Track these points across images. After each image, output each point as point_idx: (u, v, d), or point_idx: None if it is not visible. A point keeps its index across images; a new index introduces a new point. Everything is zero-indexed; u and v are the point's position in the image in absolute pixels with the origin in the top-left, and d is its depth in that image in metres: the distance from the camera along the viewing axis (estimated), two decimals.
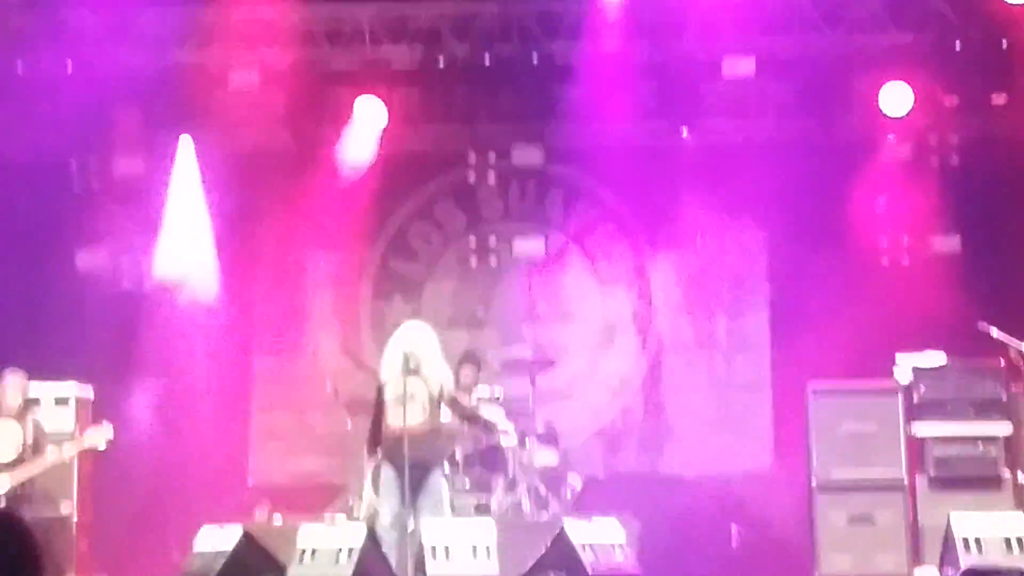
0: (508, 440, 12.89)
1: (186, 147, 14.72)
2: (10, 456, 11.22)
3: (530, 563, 10.44)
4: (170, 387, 14.19)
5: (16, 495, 10.98)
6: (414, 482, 10.49)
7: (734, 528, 13.60)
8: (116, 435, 11.54)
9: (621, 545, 10.26)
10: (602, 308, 14.83)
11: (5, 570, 4.52)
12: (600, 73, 14.06)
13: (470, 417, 11.58)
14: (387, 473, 10.65)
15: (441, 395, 10.65)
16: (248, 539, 10.55)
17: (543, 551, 10.44)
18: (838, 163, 14.03)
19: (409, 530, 10.46)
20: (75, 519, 12.12)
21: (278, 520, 12.71)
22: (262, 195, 14.97)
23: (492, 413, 12.91)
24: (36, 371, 11.87)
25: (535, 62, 14.06)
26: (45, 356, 12.69)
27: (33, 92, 13.99)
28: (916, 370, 12.15)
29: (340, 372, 14.35)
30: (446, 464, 11.78)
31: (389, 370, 10.67)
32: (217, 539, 10.56)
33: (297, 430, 14.80)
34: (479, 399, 12.96)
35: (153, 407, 13.68)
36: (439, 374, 10.70)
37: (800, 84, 14.11)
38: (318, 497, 13.48)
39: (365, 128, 14.34)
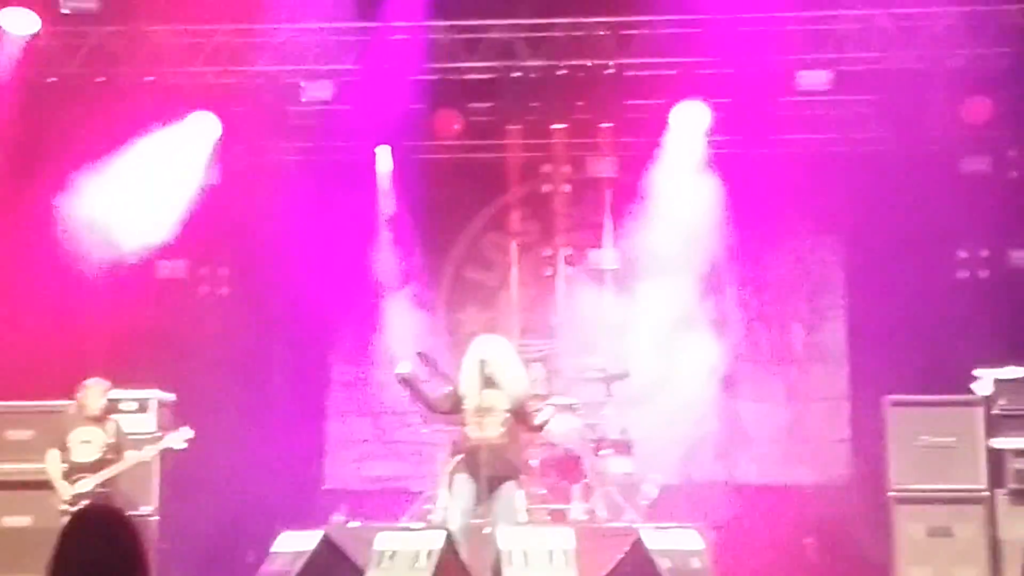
0: (583, 448, 12.89)
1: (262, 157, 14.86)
2: (93, 457, 11.36)
3: (606, 570, 10.44)
4: (248, 393, 14.29)
5: (98, 496, 11.10)
6: (490, 490, 10.53)
7: (810, 540, 13.53)
8: (196, 440, 11.67)
9: (698, 553, 10.23)
10: (678, 316, 14.80)
11: (113, 566, 4.61)
12: (672, 86, 14.11)
13: (539, 429, 11.53)
14: (463, 481, 10.69)
15: (518, 407, 10.67)
16: (327, 542, 10.63)
17: (619, 558, 10.44)
18: (916, 175, 13.97)
19: (485, 536, 10.48)
20: (155, 519, 12.25)
21: (354, 525, 12.75)
22: (336, 204, 15.07)
23: (567, 422, 12.92)
24: (119, 377, 12.01)
25: (608, 75, 14.12)
26: (127, 363, 12.83)
27: (108, 102, 14.19)
28: (997, 382, 12.05)
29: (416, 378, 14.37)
30: (523, 472, 11.82)
31: (467, 381, 10.71)
32: (296, 542, 10.65)
33: (373, 436, 14.87)
34: (554, 407, 12.97)
35: (232, 412, 13.76)
36: (516, 386, 10.73)
37: (877, 97, 14.08)
38: (393, 502, 13.54)
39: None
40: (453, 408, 10.72)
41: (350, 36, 14.00)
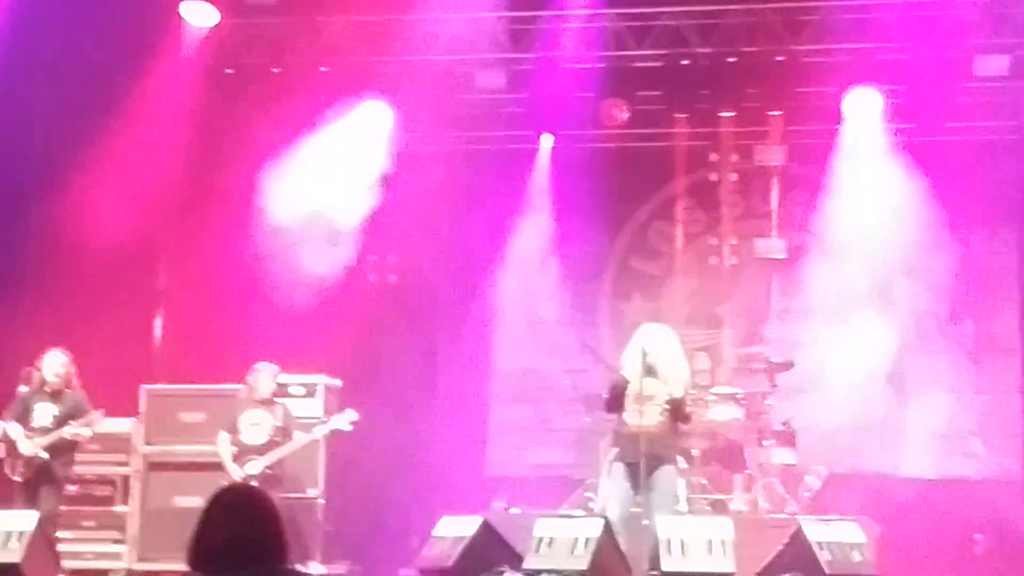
0: (745, 438, 12.80)
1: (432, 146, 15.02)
2: (261, 440, 11.66)
3: (766, 561, 10.36)
4: (412, 379, 14.47)
5: (267, 477, 11.37)
6: (649, 479, 10.52)
7: (979, 536, 13.23)
8: (361, 425, 11.88)
9: (860, 546, 10.08)
10: (843, 306, 14.60)
11: (253, 542, 4.73)
12: (845, 72, 13.90)
13: (688, 420, 11.42)
14: (622, 470, 10.70)
15: (678, 397, 10.63)
16: (487, 528, 10.73)
17: (779, 549, 10.35)
18: None
19: (644, 525, 10.47)
20: (321, 502, 12.50)
21: (515, 511, 12.84)
22: (505, 195, 15.17)
23: (730, 412, 12.85)
24: (287, 362, 12.27)
25: (779, 61, 13.98)
26: (296, 349, 13.08)
27: (283, 92, 14.48)
28: None
29: (578, 368, 14.45)
30: (682, 461, 11.79)
31: (629, 369, 10.72)
32: (457, 527, 10.77)
33: (534, 423, 14.96)
34: (717, 396, 12.91)
35: (396, 399, 13.94)
36: (677, 376, 10.70)
37: None
38: (554, 490, 13.59)
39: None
40: (616, 395, 10.73)
41: (521, 25, 14.06)
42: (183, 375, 13.34)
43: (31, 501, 11.06)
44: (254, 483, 11.04)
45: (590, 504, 12.26)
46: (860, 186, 14.21)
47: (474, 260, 14.95)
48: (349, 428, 11.85)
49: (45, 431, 11.28)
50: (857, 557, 10.02)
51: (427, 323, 14.66)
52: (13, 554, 10.28)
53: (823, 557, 9.90)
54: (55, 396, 11.41)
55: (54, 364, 11.41)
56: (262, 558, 4.77)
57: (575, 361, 14.77)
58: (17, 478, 11.18)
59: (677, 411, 10.60)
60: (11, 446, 11.25)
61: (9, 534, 10.39)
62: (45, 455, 11.22)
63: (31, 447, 11.20)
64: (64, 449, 11.37)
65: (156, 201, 13.87)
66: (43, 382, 11.43)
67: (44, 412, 11.37)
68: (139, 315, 14.21)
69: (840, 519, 10.41)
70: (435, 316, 14.66)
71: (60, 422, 11.31)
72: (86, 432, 11.44)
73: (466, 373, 15.12)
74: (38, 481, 11.22)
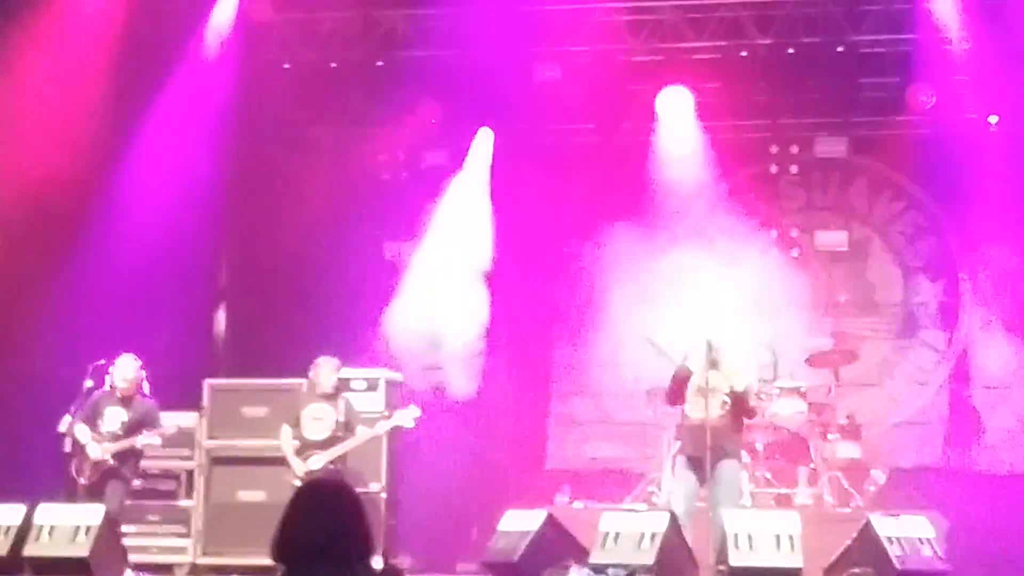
0: (809, 432, 12.72)
1: (485, 140, 14.99)
2: (324, 435, 11.62)
3: (834, 556, 10.29)
4: (472, 373, 14.44)
5: (329, 473, 11.34)
6: (712, 473, 10.48)
7: None
8: (421, 420, 11.85)
9: (930, 541, 9.98)
10: (906, 300, 14.49)
11: (337, 536, 4.72)
12: (905, 64, 13.79)
13: (753, 414, 11.35)
14: (685, 462, 10.66)
15: (740, 391, 10.58)
16: (552, 522, 10.70)
17: (848, 544, 10.27)
18: None
19: (709, 519, 10.42)
20: (384, 496, 12.49)
21: (578, 505, 12.80)
22: (563, 188, 15.12)
23: (793, 406, 12.77)
24: (349, 358, 12.27)
25: (840, 52, 13.88)
26: (357, 343, 13.09)
27: (343, 85, 14.49)
28: None
29: (639, 361, 14.38)
30: (745, 455, 11.74)
31: (694, 361, 10.69)
32: (521, 521, 10.75)
33: (596, 417, 14.91)
34: (781, 390, 12.84)
35: (457, 393, 13.92)
36: (742, 369, 10.65)
37: None
38: (615, 484, 13.56)
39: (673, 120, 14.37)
40: (678, 386, 10.69)
41: (578, 16, 13.99)
42: (246, 370, 13.38)
43: (97, 497, 11.10)
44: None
45: (653, 498, 12.22)
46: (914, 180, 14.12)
47: (533, 254, 14.89)
48: (412, 425, 11.81)
49: (114, 437, 11.31)
50: (928, 552, 9.92)
51: (488, 319, 14.60)
52: (82, 548, 10.36)
53: (893, 552, 9.81)
54: (125, 402, 11.43)
55: (125, 369, 11.43)
56: (345, 553, 4.77)
57: (636, 354, 14.69)
58: (83, 480, 11.22)
59: (741, 405, 10.55)
60: (79, 448, 11.28)
61: (77, 528, 10.45)
62: (112, 461, 11.26)
63: (100, 452, 11.23)
64: (132, 455, 11.43)
65: (218, 196, 13.93)
66: (113, 387, 11.46)
67: (114, 417, 11.40)
68: (202, 310, 14.28)
69: (909, 514, 10.31)
70: (495, 311, 14.60)
71: (129, 429, 11.34)
72: (156, 442, 11.49)
73: (526, 367, 15.08)
74: (104, 478, 11.26)
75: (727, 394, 10.47)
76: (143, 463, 11.83)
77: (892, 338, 14.39)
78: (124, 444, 11.28)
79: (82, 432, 11.26)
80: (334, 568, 4.70)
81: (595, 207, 15.02)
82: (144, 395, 11.50)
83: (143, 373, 11.48)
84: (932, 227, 14.59)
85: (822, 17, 13.70)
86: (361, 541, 4.80)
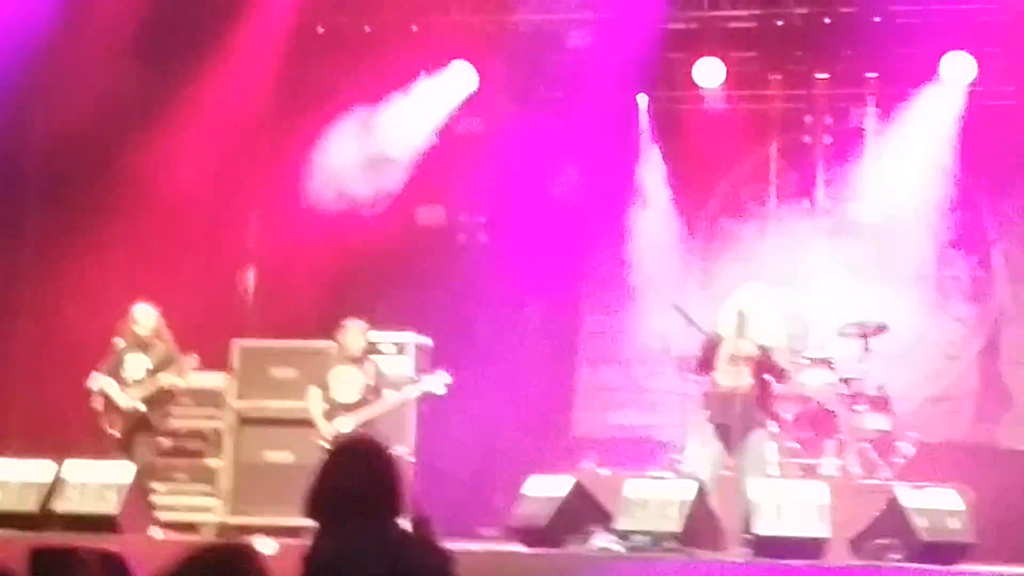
0: (838, 403, 12.68)
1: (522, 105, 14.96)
2: (352, 398, 11.62)
3: (861, 527, 10.28)
4: (500, 339, 14.44)
5: (359, 434, 11.37)
6: (739, 442, 10.47)
7: None
8: (451, 384, 11.85)
9: (957, 513, 9.97)
10: (938, 272, 14.40)
11: (370, 494, 4.74)
12: (945, 34, 13.69)
13: (786, 381, 11.31)
14: (713, 431, 10.66)
15: (770, 358, 10.56)
16: (579, 488, 10.71)
17: (875, 516, 10.26)
18: None
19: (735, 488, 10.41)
20: (412, 460, 12.50)
21: (604, 472, 12.80)
22: (593, 154, 15.07)
23: (822, 376, 12.73)
24: (379, 321, 12.27)
25: (875, 22, 13.78)
26: (387, 308, 13.10)
27: (375, 51, 14.48)
28: None
29: (668, 329, 14.33)
30: (775, 425, 11.72)
31: (723, 329, 10.68)
32: (547, 486, 10.75)
33: (622, 384, 14.89)
34: (810, 360, 12.80)
35: (484, 358, 13.92)
36: (770, 338, 10.63)
37: None
38: (641, 451, 13.56)
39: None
40: (708, 353, 10.68)
41: None
42: (274, 330, 13.41)
43: (127, 454, 11.18)
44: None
45: (678, 466, 12.21)
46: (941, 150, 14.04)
47: (562, 221, 14.85)
48: (443, 392, 11.78)
49: (140, 384, 11.40)
50: (954, 524, 9.93)
51: (516, 284, 14.58)
52: (111, 505, 10.43)
53: (920, 524, 9.83)
54: (146, 348, 11.55)
55: (142, 316, 11.53)
56: (378, 510, 4.79)
57: (664, 322, 14.64)
58: (115, 432, 11.30)
59: (770, 366, 10.52)
60: (108, 401, 11.36)
61: (107, 486, 10.52)
62: (143, 407, 11.34)
63: (128, 400, 11.32)
64: (161, 400, 11.53)
65: (247, 156, 13.95)
66: (133, 335, 11.54)
67: (136, 365, 11.51)
68: (230, 270, 14.32)
69: (936, 486, 10.29)
70: (524, 277, 14.58)
71: (153, 373, 11.44)
72: (180, 380, 11.55)
73: (554, 334, 15.07)
74: (134, 434, 11.34)
75: (756, 355, 10.43)
76: (173, 422, 11.92)
77: (923, 311, 14.29)
78: (150, 388, 11.37)
79: (108, 384, 11.38)
80: (366, 524, 4.73)
81: (623, 174, 14.93)
82: (162, 339, 11.59)
83: (162, 319, 11.54)
84: (968, 201, 14.47)
85: None
86: (394, 499, 4.83)
